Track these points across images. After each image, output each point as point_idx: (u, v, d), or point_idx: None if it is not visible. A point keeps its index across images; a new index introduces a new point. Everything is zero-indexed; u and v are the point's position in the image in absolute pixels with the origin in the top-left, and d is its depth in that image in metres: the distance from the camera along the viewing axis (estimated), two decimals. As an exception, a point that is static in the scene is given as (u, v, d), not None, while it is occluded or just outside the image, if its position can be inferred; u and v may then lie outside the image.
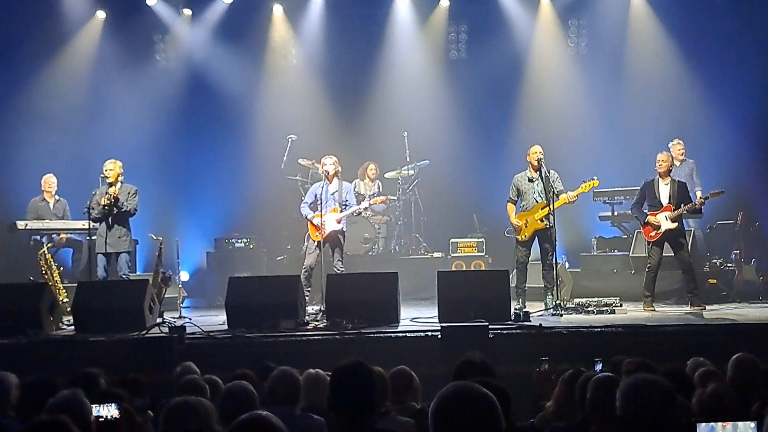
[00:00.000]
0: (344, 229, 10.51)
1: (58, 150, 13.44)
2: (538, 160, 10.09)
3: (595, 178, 10.14)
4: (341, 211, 10.39)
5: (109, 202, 9.98)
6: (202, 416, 3.65)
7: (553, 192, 9.98)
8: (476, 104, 14.18)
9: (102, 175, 10.17)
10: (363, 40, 14.45)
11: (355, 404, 3.63)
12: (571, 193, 10.00)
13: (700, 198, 10.15)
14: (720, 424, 2.89)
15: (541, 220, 10.04)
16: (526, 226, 10.13)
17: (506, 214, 10.40)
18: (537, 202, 10.11)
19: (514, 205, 10.34)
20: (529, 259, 10.32)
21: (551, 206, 9.91)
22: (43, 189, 12.16)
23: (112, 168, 10.16)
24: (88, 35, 14.06)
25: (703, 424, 2.87)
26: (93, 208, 10.09)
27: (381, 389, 4.64)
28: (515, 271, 10.40)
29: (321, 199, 10.28)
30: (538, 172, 10.15)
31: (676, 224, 9.85)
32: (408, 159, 13.31)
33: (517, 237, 10.26)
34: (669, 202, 9.92)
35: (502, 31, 14.10)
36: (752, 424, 2.90)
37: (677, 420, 2.86)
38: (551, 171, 10.17)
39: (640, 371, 4.16)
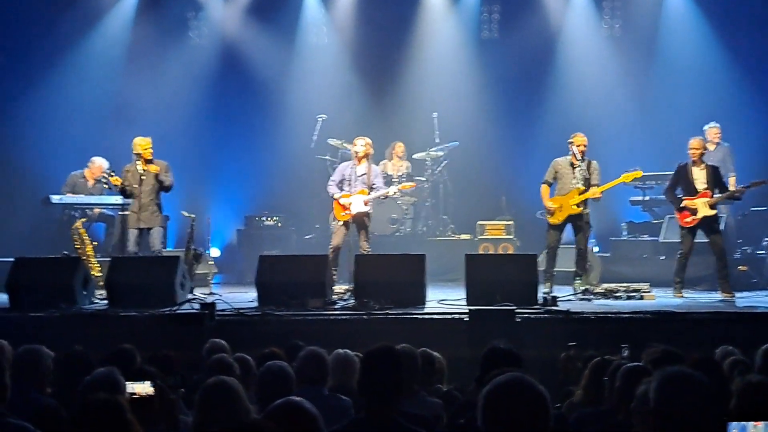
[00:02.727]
0: (370, 211, 10.54)
1: (91, 126, 13.58)
2: (582, 152, 9.99)
3: (638, 168, 10.02)
4: (369, 194, 10.41)
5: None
6: (237, 396, 3.72)
7: (590, 182, 9.90)
8: (507, 85, 14.06)
9: (136, 152, 10.24)
10: (394, 20, 14.39)
11: (384, 389, 3.68)
12: (595, 188, 9.88)
13: (742, 186, 9.90)
14: (751, 423, 2.89)
15: (577, 206, 9.92)
16: (560, 210, 10.03)
17: (535, 197, 10.33)
18: (575, 187, 9.97)
19: (549, 187, 10.20)
20: (559, 244, 10.29)
21: (586, 195, 9.84)
22: (89, 167, 12.25)
23: (148, 145, 10.25)
24: (122, 11, 14.14)
25: (734, 423, 2.88)
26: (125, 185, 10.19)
27: (411, 367, 4.68)
28: (545, 254, 10.36)
29: (349, 180, 10.32)
30: (580, 160, 10.04)
31: (714, 211, 9.74)
32: (437, 140, 13.28)
33: (550, 220, 10.16)
34: (706, 188, 9.75)
35: (535, 12, 13.98)
36: (785, 424, 2.90)
37: (711, 416, 2.87)
38: (593, 162, 10.06)
39: (666, 361, 4.17)
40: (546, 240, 10.31)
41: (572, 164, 10.06)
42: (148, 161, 10.22)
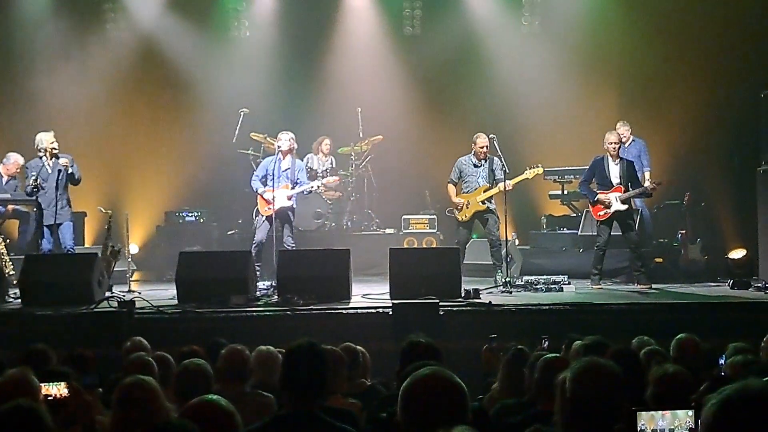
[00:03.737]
0: (294, 206, 10.50)
1: (3, 121, 13.19)
2: (484, 153, 10.38)
3: (539, 166, 10.39)
4: (292, 188, 10.37)
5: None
6: (154, 396, 3.66)
7: (494, 178, 10.31)
8: (430, 81, 14.18)
9: (42, 147, 10.01)
10: (317, 13, 14.32)
11: (307, 385, 3.66)
12: (509, 182, 10.21)
13: (652, 183, 10.21)
14: (660, 412, 2.98)
15: (483, 202, 10.33)
16: (467, 207, 10.41)
17: (455, 193, 10.67)
18: (480, 185, 10.40)
19: (455, 186, 10.63)
20: (469, 239, 10.63)
21: (492, 191, 10.27)
22: (3, 164, 11.82)
23: (52, 140, 10.06)
24: (36, 2, 13.71)
25: (644, 412, 2.96)
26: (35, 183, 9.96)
27: (336, 368, 4.68)
28: None
29: (273, 175, 10.25)
30: (483, 159, 10.43)
31: (626, 206, 10.03)
32: (361, 135, 13.27)
33: (458, 217, 10.53)
34: (620, 183, 10.06)
35: (456, 8, 14.06)
36: (690, 412, 2.98)
37: (624, 405, 2.94)
38: (494, 158, 10.43)
39: (593, 351, 4.26)
40: (455, 237, 10.67)
41: (476, 164, 10.46)
42: (53, 156, 10.02)
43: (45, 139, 10.04)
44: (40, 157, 10.07)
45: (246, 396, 4.62)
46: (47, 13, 13.67)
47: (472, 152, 10.51)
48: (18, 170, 11.72)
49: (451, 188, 10.64)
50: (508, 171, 10.24)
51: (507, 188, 10.17)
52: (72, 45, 13.70)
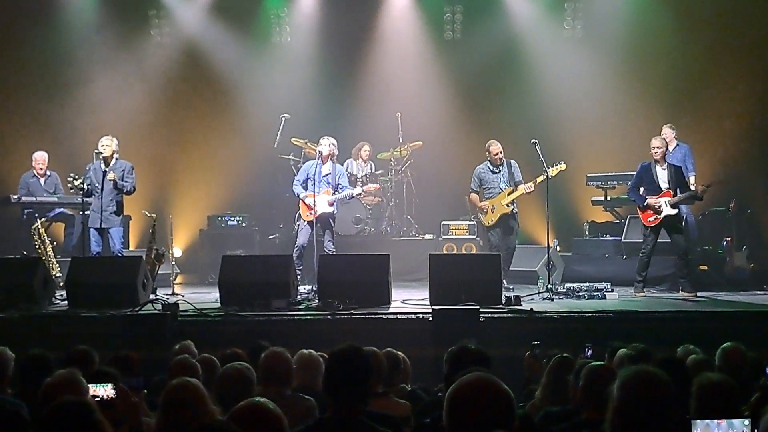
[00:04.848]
0: (335, 211, 10.55)
1: (48, 123, 13.43)
2: (499, 158, 10.58)
3: (562, 162, 10.32)
4: (333, 194, 10.42)
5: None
6: (201, 398, 3.68)
7: (515, 181, 10.51)
8: (470, 86, 14.12)
9: (96, 151, 10.22)
10: (358, 19, 14.35)
11: (350, 389, 3.67)
12: (529, 183, 10.38)
13: (702, 186, 10.07)
14: (715, 421, 2.92)
15: (508, 205, 10.48)
16: (493, 211, 10.55)
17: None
18: (503, 190, 10.57)
19: (477, 195, 10.80)
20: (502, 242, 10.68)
21: (516, 194, 10.45)
22: (33, 166, 12.07)
23: (108, 144, 10.24)
24: (82, 8, 13.91)
25: (698, 420, 2.91)
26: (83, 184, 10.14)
27: (375, 370, 4.68)
28: None
29: (314, 180, 10.31)
30: (500, 165, 10.62)
31: (676, 210, 9.93)
32: (401, 140, 13.27)
33: (485, 222, 10.69)
34: (668, 187, 9.93)
35: (498, 13, 14.00)
36: (746, 422, 2.93)
37: (674, 415, 2.90)
38: (511, 161, 10.67)
39: (638, 360, 4.21)
40: (488, 243, 10.87)
41: (494, 171, 10.66)
42: (106, 161, 10.22)
43: (99, 143, 10.25)
44: (101, 161, 10.29)
45: (286, 399, 4.63)
46: (95, 20, 13.86)
47: (488, 159, 10.67)
48: (41, 166, 11.93)
49: (474, 196, 10.86)
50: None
51: (528, 190, 10.36)
52: (119, 52, 13.89)
